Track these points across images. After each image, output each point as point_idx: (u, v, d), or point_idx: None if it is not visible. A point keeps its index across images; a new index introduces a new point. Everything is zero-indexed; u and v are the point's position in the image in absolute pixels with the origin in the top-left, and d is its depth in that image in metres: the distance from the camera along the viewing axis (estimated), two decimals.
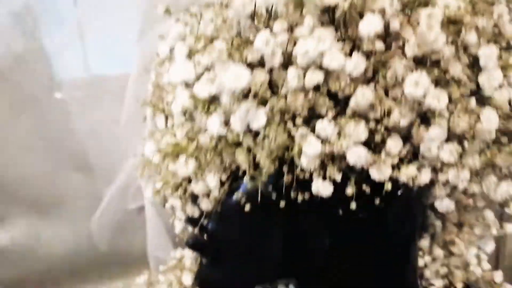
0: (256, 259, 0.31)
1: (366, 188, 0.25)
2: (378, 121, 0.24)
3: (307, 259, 0.32)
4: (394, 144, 0.24)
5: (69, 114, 0.58)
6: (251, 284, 0.32)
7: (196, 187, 0.29)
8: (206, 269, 0.33)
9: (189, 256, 0.49)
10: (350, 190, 0.25)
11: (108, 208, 0.54)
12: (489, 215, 0.36)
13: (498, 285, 0.41)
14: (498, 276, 0.41)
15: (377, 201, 0.26)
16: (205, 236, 0.33)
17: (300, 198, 0.26)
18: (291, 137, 0.25)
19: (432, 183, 0.26)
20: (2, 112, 0.57)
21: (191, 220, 0.34)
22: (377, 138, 0.24)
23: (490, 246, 0.38)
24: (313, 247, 0.32)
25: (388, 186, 0.25)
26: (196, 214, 0.33)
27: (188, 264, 0.48)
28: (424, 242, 0.40)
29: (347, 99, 0.24)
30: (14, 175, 0.62)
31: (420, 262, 0.40)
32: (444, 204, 0.28)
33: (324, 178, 0.25)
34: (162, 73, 0.31)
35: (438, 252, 0.40)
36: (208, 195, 0.31)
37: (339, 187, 0.26)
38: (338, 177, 0.25)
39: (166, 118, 0.32)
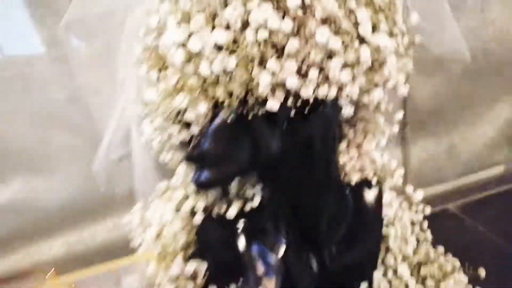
0: (231, 160, 0.46)
1: (299, 103, 0.41)
2: (303, 60, 0.40)
3: (264, 159, 0.48)
4: (313, 73, 0.40)
5: None
6: (228, 177, 0.49)
7: (189, 115, 0.43)
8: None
9: (174, 187, 0.63)
10: (289, 102, 0.40)
11: (101, 156, 0.66)
12: (381, 120, 0.54)
13: (395, 171, 0.60)
14: (393, 163, 0.60)
15: (306, 111, 0.42)
16: (195, 152, 0.47)
17: (260, 112, 0.41)
18: (251, 74, 0.39)
19: (338, 97, 0.42)
20: None
21: (184, 143, 0.48)
22: (303, 70, 0.40)
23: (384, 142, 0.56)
24: (267, 151, 0.47)
25: (311, 100, 0.41)
26: (187, 137, 0.47)
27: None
28: (342, 145, 0.58)
29: (283, 47, 0.39)
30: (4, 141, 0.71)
31: (341, 160, 0.58)
32: (347, 111, 0.45)
33: (273, 98, 0.40)
34: (154, 39, 0.44)
35: (353, 152, 0.58)
36: (197, 121, 0.45)
37: (283, 104, 0.42)
38: (282, 97, 0.41)
39: (159, 71, 0.45)
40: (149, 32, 0.45)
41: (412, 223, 0.66)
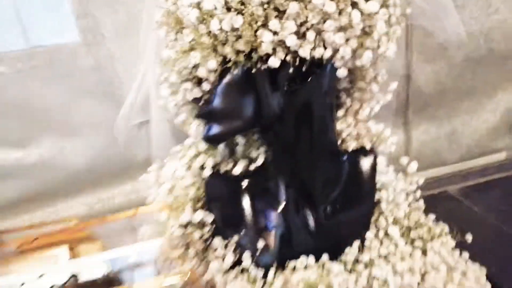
0: (237, 115, 0.52)
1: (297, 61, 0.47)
2: (302, 22, 0.45)
3: (266, 116, 0.53)
4: (311, 35, 0.46)
5: None
6: (234, 131, 0.54)
7: (201, 71, 0.49)
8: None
9: (186, 147, 0.69)
10: (288, 58, 0.46)
11: (120, 122, 0.73)
12: (375, 88, 0.59)
13: (387, 137, 0.65)
14: (387, 132, 0.65)
15: (304, 68, 0.47)
16: (205, 108, 0.53)
17: (263, 67, 0.47)
18: (255, 33, 0.45)
19: (332, 58, 0.48)
20: None
21: (196, 100, 0.54)
22: (302, 31, 0.45)
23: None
24: (268, 109, 0.53)
25: (308, 59, 0.46)
26: (199, 95, 0.53)
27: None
28: (340, 113, 0.63)
29: (285, 10, 0.45)
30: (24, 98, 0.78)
31: (338, 127, 0.63)
32: (341, 72, 0.50)
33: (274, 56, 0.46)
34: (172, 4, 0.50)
35: (350, 120, 0.64)
36: (208, 78, 0.51)
37: (283, 63, 0.47)
38: (282, 55, 0.46)
39: (176, 33, 0.51)
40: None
41: (406, 193, 0.71)
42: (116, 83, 0.76)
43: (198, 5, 0.45)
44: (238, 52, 0.47)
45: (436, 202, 0.98)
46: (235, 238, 0.61)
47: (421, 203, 0.71)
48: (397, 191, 0.68)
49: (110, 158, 0.82)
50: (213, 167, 0.63)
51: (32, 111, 0.77)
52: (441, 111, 1.01)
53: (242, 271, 0.58)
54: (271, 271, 0.57)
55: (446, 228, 0.67)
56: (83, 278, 0.52)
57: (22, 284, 0.51)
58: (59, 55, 0.76)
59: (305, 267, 0.58)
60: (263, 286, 0.56)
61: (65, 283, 0.52)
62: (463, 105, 1.03)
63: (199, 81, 0.51)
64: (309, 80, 0.52)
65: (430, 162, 1.03)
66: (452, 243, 0.65)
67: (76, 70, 0.75)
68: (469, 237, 0.66)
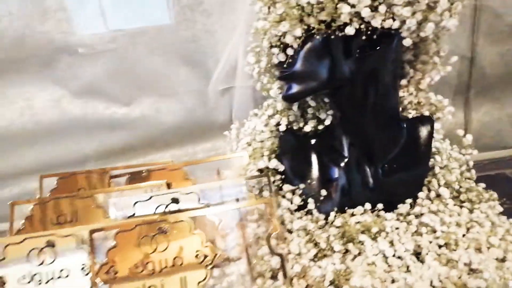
0: (314, 77, 0.63)
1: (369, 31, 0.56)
2: None
3: (338, 79, 0.63)
4: (382, 8, 0.55)
5: None
6: (310, 91, 0.65)
7: (288, 38, 0.60)
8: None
9: (265, 107, 0.81)
10: (363, 26, 0.55)
11: (211, 88, 0.86)
12: (437, 61, 0.66)
13: (443, 106, 0.71)
14: (445, 102, 0.72)
15: (374, 37, 0.57)
16: (287, 71, 0.64)
17: (340, 34, 0.57)
18: (336, 6, 0.55)
19: (399, 29, 0.56)
20: None
21: (280, 63, 0.65)
22: (375, 5, 0.55)
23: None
24: (341, 72, 0.63)
25: (379, 27, 0.55)
26: (283, 59, 0.64)
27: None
28: (403, 82, 0.71)
29: None
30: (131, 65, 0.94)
31: (400, 95, 0.71)
32: (407, 41, 0.59)
33: (350, 25, 0.56)
34: None
35: (411, 89, 0.71)
36: (291, 46, 0.62)
37: (357, 31, 0.57)
38: (357, 25, 0.56)
39: (269, 7, 0.62)
40: None
41: (460, 163, 0.77)
42: (209, 54, 0.90)
43: None
44: (320, 22, 0.57)
45: (493, 183, 1.01)
46: (302, 186, 0.72)
47: (473, 172, 0.76)
48: (450, 158, 0.75)
49: (197, 119, 0.97)
50: (287, 125, 0.75)
51: (137, 76, 0.93)
52: (504, 94, 1.03)
53: (307, 213, 0.70)
54: (332, 214, 0.67)
55: (495, 194, 0.73)
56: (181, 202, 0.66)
57: (135, 203, 0.66)
58: (159, 31, 0.92)
59: (362, 214, 0.67)
60: (324, 225, 0.67)
61: (168, 204, 0.66)
62: None
63: (284, 47, 0.62)
64: (378, 48, 0.61)
65: (490, 144, 1.06)
66: (500, 208, 0.71)
67: (177, 42, 0.90)
68: None
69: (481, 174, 1.01)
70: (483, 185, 0.75)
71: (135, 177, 0.78)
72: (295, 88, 0.64)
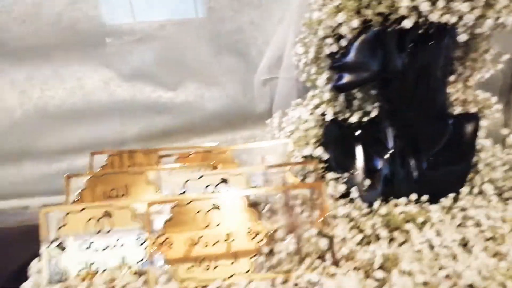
0: (366, 68, 0.64)
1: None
2: None
3: (389, 72, 0.65)
4: (441, 3, 0.56)
5: None
6: (361, 82, 0.66)
7: (343, 29, 0.62)
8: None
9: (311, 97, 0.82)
10: (420, 20, 0.57)
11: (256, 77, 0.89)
12: (487, 58, 0.67)
13: (491, 104, 0.72)
14: (493, 99, 0.72)
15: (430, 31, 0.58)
16: (339, 61, 0.66)
17: (397, 28, 0.58)
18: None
19: (456, 23, 0.58)
20: None
21: (331, 54, 0.67)
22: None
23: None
24: (392, 65, 0.64)
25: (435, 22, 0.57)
26: (336, 49, 0.66)
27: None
28: (451, 78, 0.72)
29: None
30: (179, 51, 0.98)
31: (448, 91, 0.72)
32: (462, 37, 0.60)
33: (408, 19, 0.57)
34: None
35: (459, 85, 0.72)
36: (345, 37, 0.64)
37: (413, 25, 0.58)
38: (414, 18, 0.57)
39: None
40: None
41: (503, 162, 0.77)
42: (253, 45, 0.92)
43: None
44: (377, 14, 0.59)
45: None
46: (345, 175, 0.74)
47: None
48: (495, 157, 0.75)
49: (238, 107, 1.00)
50: (333, 115, 0.77)
51: (184, 63, 0.97)
52: None
53: (350, 201, 0.71)
54: (376, 203, 0.69)
55: None
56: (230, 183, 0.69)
57: (186, 181, 0.69)
58: (207, 21, 0.95)
59: (405, 204, 0.69)
60: (368, 213, 0.69)
61: (217, 184, 0.69)
62: None
63: (338, 38, 0.64)
64: (432, 43, 0.62)
65: None
66: None
67: (223, 32, 0.93)
68: None
69: None
70: None
71: (183, 158, 0.82)
72: (346, 79, 0.66)
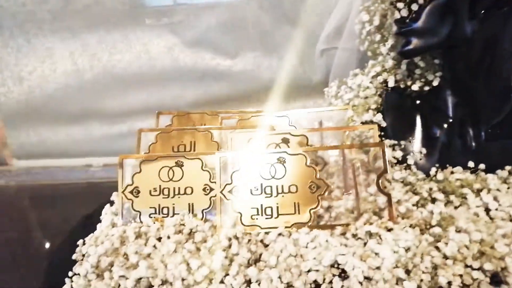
0: (435, 33, 0.65)
1: None
2: None
3: (457, 38, 0.65)
4: None
5: None
6: (428, 48, 0.67)
7: None
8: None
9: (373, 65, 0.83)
10: None
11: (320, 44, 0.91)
12: None
13: None
14: None
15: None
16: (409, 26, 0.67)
17: None
18: None
19: None
20: None
21: (400, 19, 0.68)
22: None
23: None
24: (461, 32, 0.64)
25: None
26: (406, 14, 0.67)
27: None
28: None
29: None
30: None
31: None
32: None
33: None
34: None
35: None
36: (417, 2, 0.64)
37: None
38: None
39: None
40: None
41: None
42: (313, 15, 0.94)
43: None
44: None
45: None
46: (403, 142, 0.75)
47: None
48: None
49: (294, 77, 1.02)
50: (394, 83, 0.78)
51: (246, 31, 1.00)
52: None
53: (406, 167, 0.73)
54: (433, 170, 0.70)
55: None
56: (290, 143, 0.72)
57: (250, 139, 0.74)
58: None
59: (461, 172, 0.70)
60: (425, 179, 0.70)
61: (278, 144, 0.73)
62: None
63: (410, 2, 0.65)
64: (504, 9, 0.61)
65: None
66: None
67: (286, 1, 0.95)
68: None
69: None
70: None
71: (244, 121, 0.86)
72: (414, 44, 0.67)
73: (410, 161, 0.73)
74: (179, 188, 0.69)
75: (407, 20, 0.66)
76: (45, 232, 1.00)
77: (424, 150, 0.74)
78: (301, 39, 0.99)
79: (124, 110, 1.12)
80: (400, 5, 0.66)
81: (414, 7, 0.64)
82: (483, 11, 0.62)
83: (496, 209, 0.61)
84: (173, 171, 0.69)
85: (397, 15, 0.67)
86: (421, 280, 0.51)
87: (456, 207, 0.63)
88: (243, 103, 1.08)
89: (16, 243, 0.96)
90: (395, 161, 0.73)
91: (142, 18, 1.01)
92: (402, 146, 0.74)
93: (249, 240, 0.60)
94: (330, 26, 0.90)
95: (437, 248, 0.54)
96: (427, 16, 0.64)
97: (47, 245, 0.95)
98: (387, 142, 0.75)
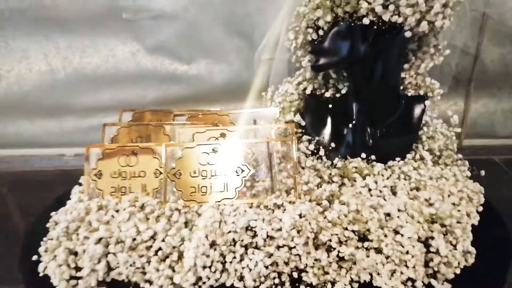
0: (337, 53, 0.83)
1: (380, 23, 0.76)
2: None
3: (355, 57, 0.84)
4: (391, 7, 0.75)
5: None
6: (333, 64, 0.86)
7: (321, 22, 0.81)
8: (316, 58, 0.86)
9: (297, 76, 1.02)
10: (372, 18, 0.76)
11: (256, 56, 1.09)
12: (431, 51, 0.86)
13: (435, 88, 0.91)
14: (437, 85, 0.91)
15: (385, 28, 0.77)
16: (317, 46, 0.85)
17: (357, 23, 0.77)
18: (358, 2, 0.76)
19: (403, 23, 0.77)
20: None
21: (312, 41, 0.86)
22: (386, 4, 0.75)
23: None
24: (357, 52, 0.83)
25: (388, 20, 0.76)
26: (316, 37, 0.85)
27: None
28: (406, 66, 0.90)
29: None
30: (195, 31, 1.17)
31: (403, 76, 0.91)
32: (407, 33, 0.78)
33: (367, 17, 0.76)
34: None
35: (412, 72, 0.91)
36: (322, 28, 0.83)
37: (372, 22, 0.77)
38: (372, 17, 0.76)
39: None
40: None
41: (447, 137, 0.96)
42: (257, 29, 1.12)
43: None
44: (345, 12, 0.78)
45: (482, 165, 1.17)
46: (317, 138, 0.94)
47: (455, 146, 0.96)
48: (436, 131, 0.94)
49: (241, 81, 1.20)
50: (312, 91, 0.97)
51: (199, 41, 1.17)
52: (501, 91, 1.20)
53: (317, 158, 0.92)
54: (336, 160, 0.90)
55: (466, 162, 0.92)
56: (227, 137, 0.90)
57: (194, 133, 0.91)
58: (222, 5, 1.13)
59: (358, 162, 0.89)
60: (329, 166, 0.89)
61: (218, 137, 0.90)
62: None
63: (317, 29, 0.84)
64: (386, 36, 0.80)
65: (483, 132, 1.24)
66: (468, 173, 0.90)
67: (234, 16, 1.12)
68: (482, 172, 0.91)
69: (473, 158, 1.20)
70: (460, 155, 0.95)
71: (193, 118, 1.03)
72: (322, 61, 0.86)
73: (321, 153, 0.92)
74: (134, 171, 0.85)
75: (316, 42, 0.85)
76: (22, 212, 1.13)
77: (333, 145, 0.93)
78: (247, 49, 1.17)
79: (93, 107, 1.27)
80: (310, 30, 0.84)
81: (321, 32, 0.83)
82: (372, 37, 0.81)
83: (375, 189, 0.81)
84: (129, 158, 0.85)
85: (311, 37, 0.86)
86: (308, 237, 0.70)
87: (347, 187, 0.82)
88: (198, 103, 1.25)
89: None
90: (310, 152, 0.92)
91: (109, 25, 1.16)
92: (316, 141, 0.93)
93: (186, 212, 0.77)
94: (268, 39, 1.07)
95: (324, 215, 0.73)
96: (330, 39, 0.82)
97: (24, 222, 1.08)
98: (304, 137, 0.94)
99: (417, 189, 0.82)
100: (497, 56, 1.16)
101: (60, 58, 1.21)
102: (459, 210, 0.77)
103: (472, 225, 0.78)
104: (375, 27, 0.78)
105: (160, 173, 0.83)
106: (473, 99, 1.22)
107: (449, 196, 0.81)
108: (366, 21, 0.77)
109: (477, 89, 1.20)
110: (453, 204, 0.79)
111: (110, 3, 1.12)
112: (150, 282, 0.70)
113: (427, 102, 0.91)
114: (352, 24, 0.79)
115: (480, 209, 0.83)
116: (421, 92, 0.93)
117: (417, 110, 0.93)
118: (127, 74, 1.21)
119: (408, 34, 0.79)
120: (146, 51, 1.19)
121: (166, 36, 1.16)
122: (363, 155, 0.89)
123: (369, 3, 0.75)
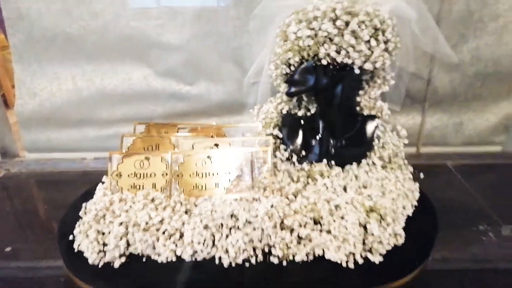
0: (305, 84, 1.07)
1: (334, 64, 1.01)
2: (339, 47, 0.99)
3: (319, 87, 1.08)
4: (343, 52, 0.99)
5: None
6: (303, 92, 1.10)
7: (291, 61, 1.05)
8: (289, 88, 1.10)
9: (276, 98, 1.27)
10: (329, 60, 1.00)
11: (246, 80, 1.34)
12: (379, 81, 1.10)
13: (383, 109, 1.15)
14: (385, 107, 1.16)
15: (339, 66, 1.01)
16: (290, 78, 1.10)
17: (319, 63, 1.02)
18: (318, 48, 1.00)
19: (353, 63, 1.01)
20: None
21: (286, 74, 1.11)
22: (339, 50, 0.99)
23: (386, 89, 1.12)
24: (321, 83, 1.07)
25: (342, 62, 1.00)
26: (288, 72, 1.10)
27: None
28: (361, 92, 1.15)
29: (332, 39, 0.99)
30: (197, 59, 1.43)
31: (359, 99, 1.15)
32: (356, 70, 1.03)
33: (324, 59, 1.01)
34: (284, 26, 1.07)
35: (366, 97, 1.15)
36: (293, 65, 1.07)
37: (329, 63, 1.02)
38: (329, 59, 1.01)
39: (284, 41, 1.08)
40: (283, 25, 1.08)
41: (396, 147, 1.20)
42: (247, 58, 1.37)
43: (295, 33, 1.01)
44: (308, 55, 1.02)
45: (436, 170, 1.40)
46: (291, 147, 1.18)
47: (403, 154, 1.19)
48: (386, 143, 1.18)
49: (235, 100, 1.45)
50: (288, 110, 1.21)
51: (201, 66, 1.42)
52: (451, 108, 1.44)
53: (291, 163, 1.16)
54: (305, 164, 1.13)
55: (410, 167, 1.16)
56: (220, 146, 1.14)
57: (193, 144, 1.15)
58: (219, 37, 1.39)
59: (322, 166, 1.13)
60: (300, 170, 1.13)
61: (212, 147, 1.14)
62: (471, 106, 1.44)
63: (289, 65, 1.08)
64: (342, 72, 1.05)
65: (438, 141, 1.48)
66: (410, 176, 1.14)
67: (230, 47, 1.37)
68: (421, 175, 1.14)
69: (429, 163, 1.44)
70: (406, 161, 1.18)
71: (193, 130, 1.28)
72: (293, 89, 1.09)
73: (294, 159, 1.16)
74: (146, 173, 1.09)
75: (288, 75, 1.09)
76: (52, 205, 1.37)
77: (303, 153, 1.17)
78: (239, 74, 1.42)
79: (111, 119, 1.52)
80: (283, 66, 1.09)
81: (292, 68, 1.07)
82: (330, 74, 1.05)
83: (331, 186, 1.05)
84: (143, 162, 1.10)
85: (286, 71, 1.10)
86: (276, 222, 0.94)
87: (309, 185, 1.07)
88: (199, 117, 1.50)
89: (27, 215, 1.29)
90: (285, 158, 1.16)
91: (126, 54, 1.41)
92: (291, 150, 1.17)
93: (186, 204, 1.02)
94: (256, 66, 1.31)
95: (290, 206, 0.97)
96: (299, 73, 1.06)
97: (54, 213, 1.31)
98: (281, 146, 1.18)
99: (364, 187, 1.06)
100: (445, 81, 1.40)
101: (85, 79, 1.47)
102: (395, 204, 1.01)
103: (408, 216, 1.02)
104: (331, 66, 1.02)
105: (167, 174, 1.08)
106: (429, 114, 1.46)
107: (389, 192, 1.05)
108: (324, 62, 1.01)
109: (432, 106, 1.44)
110: (392, 199, 1.03)
111: (127, 38, 1.38)
112: (158, 254, 0.94)
113: (378, 121, 1.15)
114: (316, 63, 1.04)
115: (415, 203, 1.07)
116: (373, 112, 1.17)
117: (370, 127, 1.16)
118: (140, 93, 1.47)
119: (357, 71, 1.03)
120: (156, 74, 1.45)
121: (173, 63, 1.42)
122: (325, 160, 1.13)
123: (326, 49, 0.99)
